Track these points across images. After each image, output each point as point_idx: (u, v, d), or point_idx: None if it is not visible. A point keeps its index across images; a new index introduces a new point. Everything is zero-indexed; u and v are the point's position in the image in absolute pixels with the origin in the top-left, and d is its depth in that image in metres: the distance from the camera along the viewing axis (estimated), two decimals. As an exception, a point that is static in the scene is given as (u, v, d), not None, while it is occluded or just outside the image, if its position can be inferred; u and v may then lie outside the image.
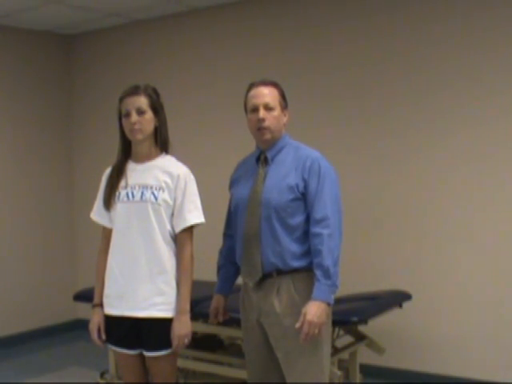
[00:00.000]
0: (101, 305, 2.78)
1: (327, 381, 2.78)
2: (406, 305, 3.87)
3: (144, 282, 2.66)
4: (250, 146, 2.92)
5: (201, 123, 5.30)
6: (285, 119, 2.81)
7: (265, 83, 2.79)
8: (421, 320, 4.32)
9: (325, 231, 2.62)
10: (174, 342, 2.63)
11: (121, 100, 2.72)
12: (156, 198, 2.66)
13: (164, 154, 2.78)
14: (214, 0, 4.99)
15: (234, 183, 2.94)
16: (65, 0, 4.84)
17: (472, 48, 4.10)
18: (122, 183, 2.74)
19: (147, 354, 2.70)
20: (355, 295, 3.94)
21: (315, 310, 2.56)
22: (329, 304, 2.61)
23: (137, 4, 5.04)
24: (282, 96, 2.80)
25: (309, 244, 2.69)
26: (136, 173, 2.74)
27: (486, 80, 4.07)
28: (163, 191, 2.68)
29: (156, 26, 5.51)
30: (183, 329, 2.63)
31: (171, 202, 2.68)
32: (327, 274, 2.59)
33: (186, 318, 2.65)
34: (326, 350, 2.76)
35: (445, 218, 4.24)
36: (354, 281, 4.35)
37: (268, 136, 2.75)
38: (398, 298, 3.85)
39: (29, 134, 5.78)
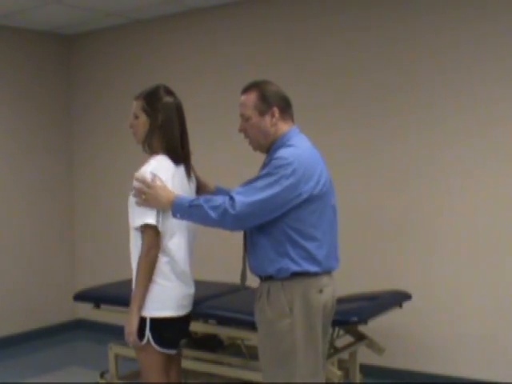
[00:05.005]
0: None
1: None
2: (405, 305, 3.87)
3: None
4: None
5: (200, 123, 5.29)
6: (272, 120, 2.61)
7: (243, 90, 2.67)
8: (421, 320, 4.32)
9: (219, 201, 2.48)
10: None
11: None
12: (129, 199, 2.74)
13: (155, 155, 2.78)
14: (213, 0, 5.00)
15: None
16: (65, 0, 4.84)
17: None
18: None
19: None
20: (355, 295, 3.94)
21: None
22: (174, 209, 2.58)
23: (137, 4, 5.04)
24: (261, 98, 2.60)
25: (286, 249, 2.52)
26: None
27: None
28: (131, 191, 2.74)
29: (156, 25, 5.51)
30: (127, 327, 2.72)
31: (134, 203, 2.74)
32: (196, 203, 2.53)
33: (131, 317, 2.69)
34: (301, 360, 2.53)
35: (445, 218, 4.24)
36: (353, 281, 4.35)
37: (253, 144, 2.69)
38: (398, 298, 3.85)
39: (28, 133, 5.78)
